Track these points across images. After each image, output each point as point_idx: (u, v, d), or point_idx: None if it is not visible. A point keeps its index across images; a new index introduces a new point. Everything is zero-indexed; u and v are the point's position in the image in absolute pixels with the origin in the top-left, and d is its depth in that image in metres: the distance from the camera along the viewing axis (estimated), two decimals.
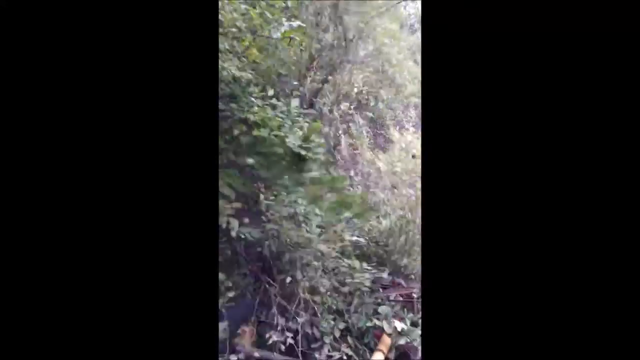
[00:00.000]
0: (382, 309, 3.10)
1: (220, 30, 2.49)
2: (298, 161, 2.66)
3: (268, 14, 2.66)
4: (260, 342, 2.82)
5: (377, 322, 2.96)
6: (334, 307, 3.03)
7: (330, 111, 4.05)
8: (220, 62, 2.38)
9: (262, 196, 2.84)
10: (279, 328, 2.73)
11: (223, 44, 2.49)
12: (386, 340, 2.88)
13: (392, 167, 3.86)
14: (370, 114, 4.31)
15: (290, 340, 2.72)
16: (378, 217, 3.63)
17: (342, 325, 2.98)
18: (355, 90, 4.35)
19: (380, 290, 3.33)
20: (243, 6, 2.59)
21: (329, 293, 3.01)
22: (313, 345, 2.82)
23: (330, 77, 3.86)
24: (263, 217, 2.84)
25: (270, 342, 2.71)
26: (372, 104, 4.39)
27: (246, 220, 2.71)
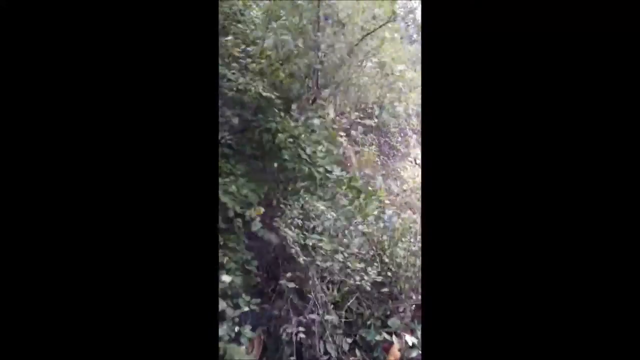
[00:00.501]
0: (392, 322, 3.02)
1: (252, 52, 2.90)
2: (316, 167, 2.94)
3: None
4: (266, 354, 2.78)
5: (387, 336, 2.87)
6: (342, 321, 2.98)
7: (337, 120, 4.13)
8: (249, 81, 2.72)
9: (278, 200, 2.91)
10: (285, 340, 2.69)
11: (253, 65, 2.88)
12: (396, 353, 2.79)
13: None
14: (374, 122, 4.37)
15: (296, 353, 2.67)
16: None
17: (350, 339, 2.91)
18: (361, 99, 4.43)
19: (390, 301, 3.25)
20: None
21: (335, 307, 2.97)
22: (321, 359, 2.75)
23: (337, 87, 3.94)
24: (279, 221, 2.89)
25: (277, 355, 2.66)
26: (376, 112, 4.44)
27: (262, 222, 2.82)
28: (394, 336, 2.85)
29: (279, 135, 2.86)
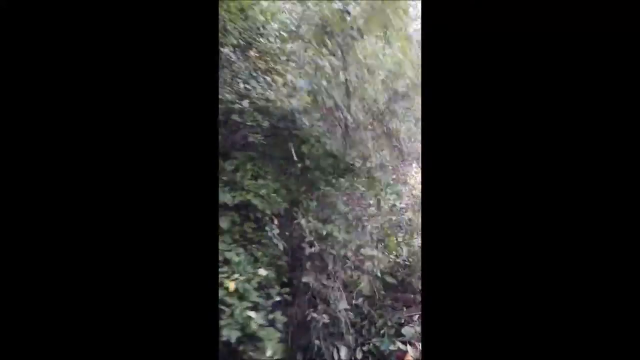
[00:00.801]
0: (406, 330, 2.95)
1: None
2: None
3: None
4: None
5: (401, 345, 2.81)
6: (356, 329, 2.95)
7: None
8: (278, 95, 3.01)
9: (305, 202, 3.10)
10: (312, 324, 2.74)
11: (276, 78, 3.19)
12: None
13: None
14: (385, 128, 4.38)
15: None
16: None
17: (364, 348, 2.87)
18: (374, 106, 4.48)
19: (404, 309, 3.19)
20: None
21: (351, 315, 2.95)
22: None
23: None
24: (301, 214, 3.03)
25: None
26: (387, 118, 4.44)
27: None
28: (408, 345, 2.79)
29: (303, 140, 3.09)
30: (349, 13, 3.18)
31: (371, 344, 2.90)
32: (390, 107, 4.04)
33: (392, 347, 2.84)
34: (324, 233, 2.91)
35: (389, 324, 3.00)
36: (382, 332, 2.98)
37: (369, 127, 4.56)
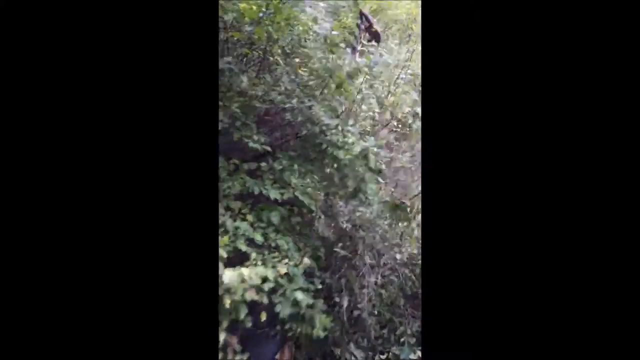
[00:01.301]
0: None
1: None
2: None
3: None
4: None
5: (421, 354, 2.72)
6: (376, 335, 2.90)
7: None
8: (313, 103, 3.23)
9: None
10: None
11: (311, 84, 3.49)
12: None
13: None
14: (408, 130, 4.33)
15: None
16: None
17: (383, 356, 2.81)
18: (399, 110, 4.49)
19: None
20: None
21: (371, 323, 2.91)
22: None
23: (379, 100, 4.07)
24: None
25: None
26: (409, 121, 4.39)
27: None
28: None
29: (332, 141, 3.22)
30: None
31: (390, 352, 2.83)
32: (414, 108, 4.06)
33: (412, 356, 2.75)
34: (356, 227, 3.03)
35: (409, 332, 2.91)
36: (402, 340, 2.90)
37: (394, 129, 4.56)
